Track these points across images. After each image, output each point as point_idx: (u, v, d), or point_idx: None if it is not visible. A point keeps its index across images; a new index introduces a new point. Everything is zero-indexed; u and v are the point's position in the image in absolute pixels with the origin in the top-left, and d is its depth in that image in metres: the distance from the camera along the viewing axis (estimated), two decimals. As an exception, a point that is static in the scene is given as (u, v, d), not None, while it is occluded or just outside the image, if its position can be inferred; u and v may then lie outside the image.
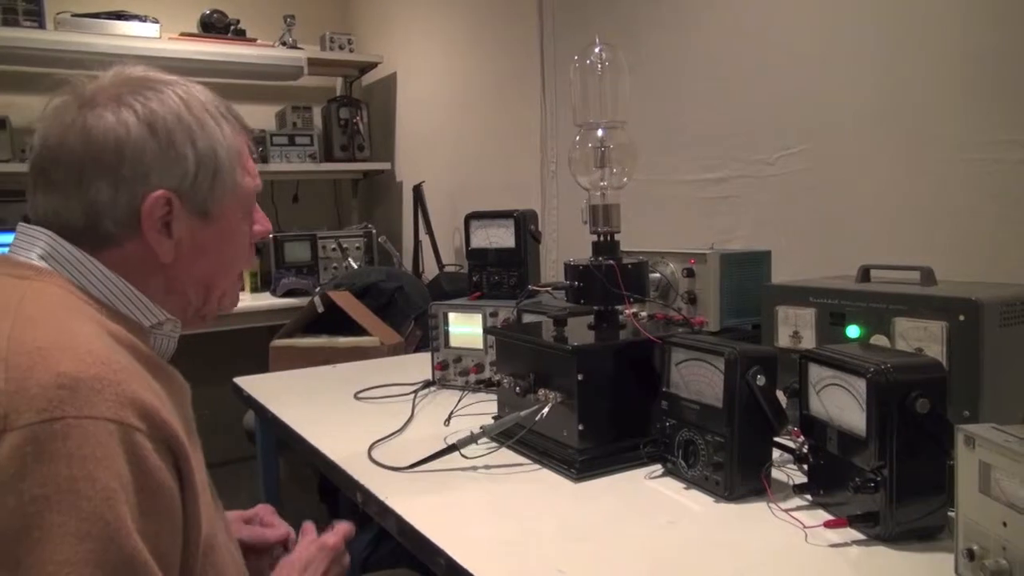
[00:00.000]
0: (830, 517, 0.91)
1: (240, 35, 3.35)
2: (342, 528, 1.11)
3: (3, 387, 0.63)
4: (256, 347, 2.55)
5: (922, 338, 1.05)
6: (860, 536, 0.89)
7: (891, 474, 0.85)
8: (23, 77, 3.10)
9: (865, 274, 1.26)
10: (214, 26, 3.29)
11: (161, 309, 0.85)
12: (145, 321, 0.84)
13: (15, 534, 0.60)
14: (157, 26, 3.12)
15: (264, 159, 3.30)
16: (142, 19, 3.10)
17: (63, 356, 0.66)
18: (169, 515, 0.69)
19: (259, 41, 3.37)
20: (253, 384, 1.75)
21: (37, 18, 2.86)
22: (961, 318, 1.02)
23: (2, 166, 2.83)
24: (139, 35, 3.08)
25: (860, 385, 0.88)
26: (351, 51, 3.55)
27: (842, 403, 0.92)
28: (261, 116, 3.59)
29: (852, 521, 0.89)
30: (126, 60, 0.87)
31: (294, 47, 3.40)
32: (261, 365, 2.24)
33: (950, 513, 0.87)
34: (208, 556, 0.75)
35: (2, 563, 0.59)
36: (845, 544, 0.88)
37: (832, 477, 0.94)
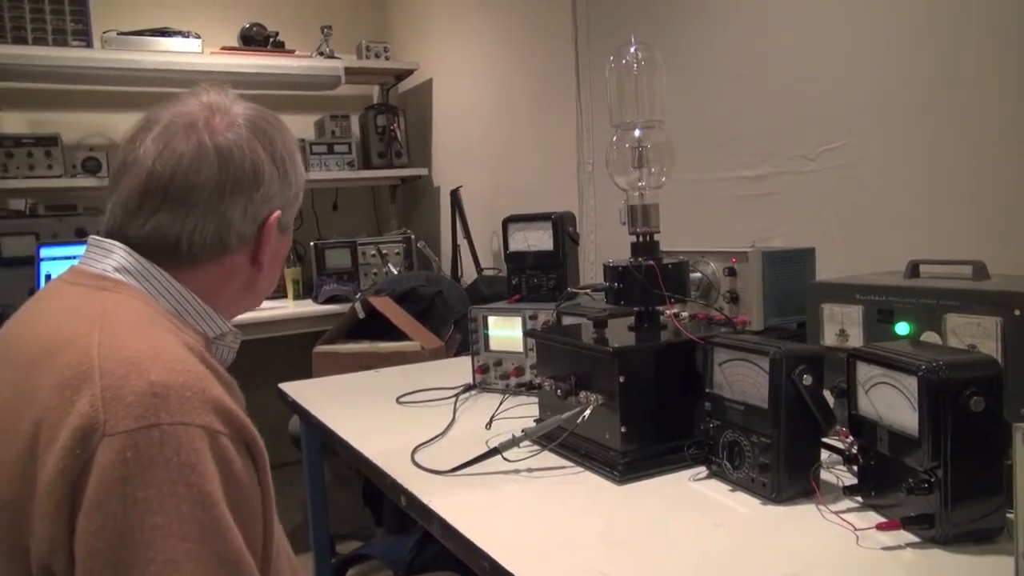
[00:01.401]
0: (882, 519, 0.89)
1: (279, 47, 3.42)
2: None
3: (99, 394, 0.66)
4: (300, 353, 2.59)
5: (975, 334, 1.02)
6: (914, 539, 0.86)
7: (945, 475, 0.82)
8: (73, 95, 3.21)
9: (914, 269, 1.23)
10: (254, 39, 3.36)
11: (225, 320, 0.90)
12: (210, 332, 0.88)
13: (119, 537, 0.62)
14: (199, 41, 3.20)
15: (304, 168, 3.35)
16: (185, 35, 3.18)
17: (153, 365, 0.69)
18: (252, 515, 0.72)
19: (297, 52, 3.43)
20: (298, 390, 1.78)
21: (85, 38, 2.95)
22: (1016, 313, 0.98)
23: (55, 181, 2.93)
24: (183, 51, 3.16)
25: (912, 383, 0.86)
26: (387, 59, 3.60)
27: (893, 402, 0.89)
28: (300, 125, 3.65)
29: (906, 523, 0.86)
30: (202, 83, 0.92)
31: (331, 57, 3.45)
32: (305, 371, 2.28)
33: (1009, 515, 0.84)
34: (276, 561, 0.78)
35: (109, 564, 0.62)
36: (898, 547, 0.85)
37: (883, 478, 0.92)
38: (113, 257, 0.83)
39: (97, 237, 0.85)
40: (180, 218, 0.83)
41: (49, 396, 0.67)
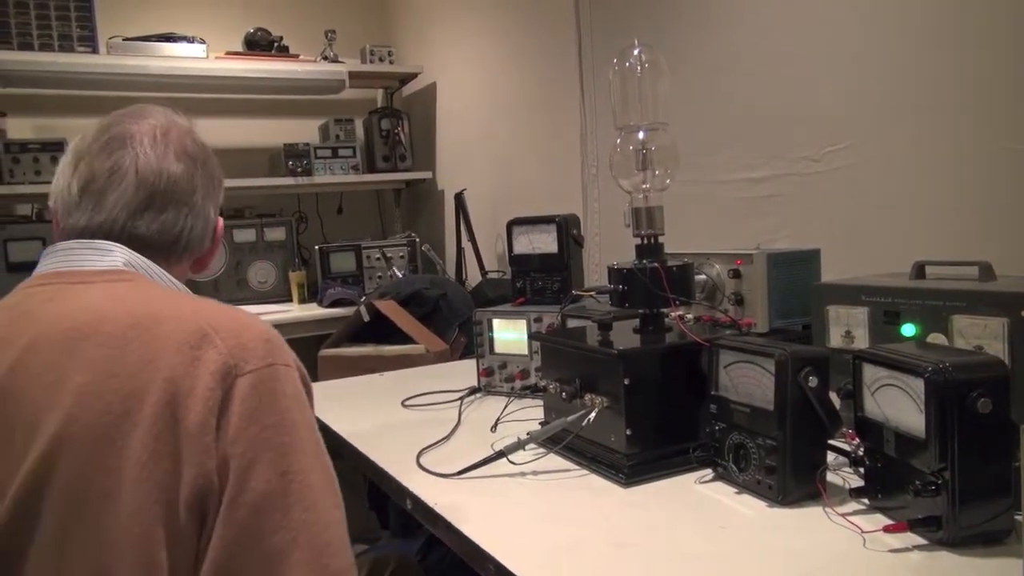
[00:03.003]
0: (889, 522, 0.89)
1: (283, 52, 3.42)
2: None
3: (225, 347, 0.78)
4: (304, 357, 2.58)
5: (982, 335, 1.02)
6: (921, 541, 0.86)
7: (953, 477, 0.82)
8: (79, 101, 3.22)
9: (920, 270, 1.22)
10: (258, 44, 3.36)
11: None
12: None
13: (277, 451, 0.76)
14: (204, 46, 3.21)
15: (308, 172, 3.36)
16: (190, 40, 3.19)
17: (254, 322, 0.84)
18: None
19: (302, 57, 3.44)
20: (303, 393, 1.78)
21: (91, 43, 2.96)
22: (1023, 314, 0.98)
23: (61, 187, 2.93)
24: (188, 56, 3.17)
25: (918, 385, 0.85)
26: (391, 63, 3.60)
27: (899, 404, 0.89)
28: (305, 130, 3.66)
29: (913, 525, 0.86)
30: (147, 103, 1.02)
31: (336, 61, 3.46)
32: (310, 374, 2.28)
33: (1017, 517, 0.84)
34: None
35: (276, 468, 0.75)
36: (906, 549, 0.85)
37: (890, 480, 0.92)
38: (115, 255, 0.90)
39: (81, 240, 0.90)
40: (182, 217, 0.95)
41: (172, 357, 0.77)
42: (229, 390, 0.76)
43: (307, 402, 0.84)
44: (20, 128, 3.18)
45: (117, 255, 0.90)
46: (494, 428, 1.37)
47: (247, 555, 0.73)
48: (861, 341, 1.18)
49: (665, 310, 1.26)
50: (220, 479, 0.74)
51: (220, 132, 3.41)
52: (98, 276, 0.87)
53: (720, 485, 1.07)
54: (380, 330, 2.48)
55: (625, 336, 1.24)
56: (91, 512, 0.73)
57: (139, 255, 0.91)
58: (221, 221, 1.05)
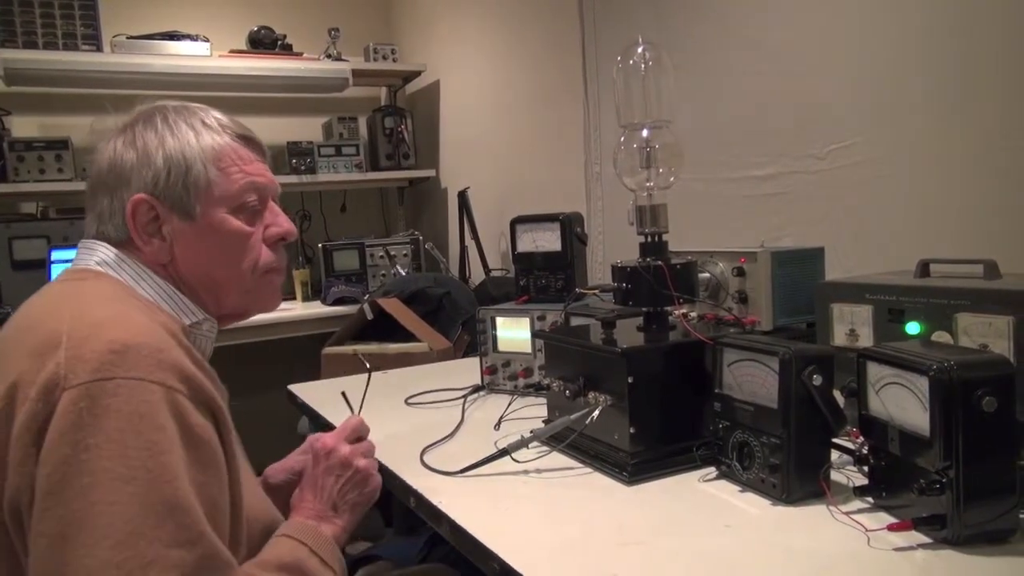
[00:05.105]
0: (893, 520, 0.89)
1: (287, 50, 3.43)
2: (345, 429, 1.05)
3: (64, 355, 0.72)
4: (308, 355, 2.60)
5: (987, 334, 1.02)
6: (926, 539, 0.86)
7: (957, 475, 0.82)
8: (83, 99, 3.23)
9: (924, 269, 1.22)
10: (262, 42, 3.37)
11: (199, 308, 0.93)
12: (185, 319, 0.92)
13: (68, 480, 0.68)
14: (208, 44, 3.21)
15: (312, 170, 3.37)
16: (194, 38, 3.20)
17: (115, 327, 0.76)
18: (216, 468, 0.76)
19: (305, 55, 3.44)
20: (307, 391, 1.79)
21: (95, 42, 2.97)
22: (1029, 312, 0.98)
23: (66, 185, 2.95)
24: (191, 54, 3.17)
25: (923, 383, 0.85)
26: (394, 61, 3.60)
27: (903, 402, 0.89)
28: (308, 128, 3.67)
29: (917, 524, 0.86)
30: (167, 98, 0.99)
31: (339, 59, 3.46)
32: (314, 372, 2.29)
33: (1022, 515, 0.84)
34: (247, 522, 0.82)
35: (57, 504, 0.68)
36: (910, 548, 0.85)
37: (895, 479, 0.91)
38: (97, 254, 0.91)
39: (84, 240, 0.94)
40: (89, 215, 0.94)
41: (24, 361, 0.74)
42: (54, 404, 0.70)
43: (165, 424, 0.72)
44: (25, 127, 3.19)
45: (98, 253, 0.91)
46: (497, 426, 1.37)
47: None
48: (865, 339, 1.18)
49: (669, 308, 1.26)
50: (28, 499, 0.70)
51: (224, 130, 3.41)
52: (73, 275, 0.90)
53: (724, 483, 1.07)
54: (384, 328, 2.48)
55: (629, 334, 1.24)
56: None
57: (113, 250, 0.91)
58: (131, 205, 0.91)
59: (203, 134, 0.94)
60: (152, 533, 0.68)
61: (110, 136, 0.95)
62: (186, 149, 0.92)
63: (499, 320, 1.67)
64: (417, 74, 3.70)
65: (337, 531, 0.97)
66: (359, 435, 1.07)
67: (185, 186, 0.91)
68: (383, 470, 1.24)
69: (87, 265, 0.91)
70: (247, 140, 0.98)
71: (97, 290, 0.85)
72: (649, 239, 1.25)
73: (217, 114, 0.97)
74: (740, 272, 1.40)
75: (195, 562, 0.70)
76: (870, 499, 0.96)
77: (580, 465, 1.18)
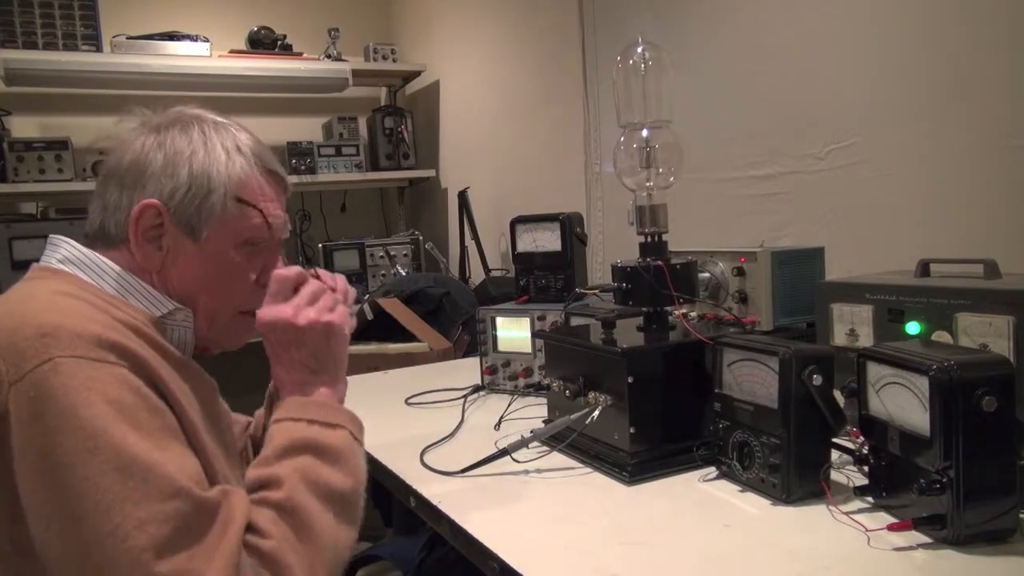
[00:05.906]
0: (893, 520, 0.89)
1: (287, 50, 3.43)
2: (275, 295, 0.93)
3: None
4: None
5: (987, 333, 1.02)
6: (926, 539, 0.86)
7: (957, 475, 0.82)
8: (83, 99, 3.23)
9: (924, 268, 1.22)
10: (262, 42, 3.37)
11: (168, 298, 0.90)
12: (155, 311, 0.89)
13: (48, 471, 0.69)
14: (208, 44, 3.21)
15: (312, 170, 3.37)
16: (193, 39, 3.20)
17: (43, 313, 0.75)
18: (173, 432, 0.76)
19: (305, 55, 3.44)
20: (307, 391, 1.78)
21: (95, 42, 2.97)
22: (1029, 312, 0.98)
23: (66, 185, 2.95)
24: (191, 54, 3.17)
25: (923, 383, 0.85)
26: (394, 61, 3.60)
27: (903, 402, 0.89)
28: (308, 128, 3.67)
29: (917, 524, 0.86)
30: (188, 102, 0.98)
31: (339, 59, 3.46)
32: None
33: (1022, 515, 0.84)
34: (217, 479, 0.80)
35: (47, 498, 0.69)
36: (910, 548, 0.85)
37: (895, 478, 0.91)
38: (60, 251, 0.89)
39: (52, 235, 0.92)
40: (92, 204, 0.93)
41: None
42: (5, 403, 0.70)
43: (114, 394, 0.73)
44: (24, 126, 3.19)
45: (61, 250, 0.89)
46: (498, 426, 1.37)
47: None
48: (865, 339, 1.18)
49: (669, 308, 1.26)
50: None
51: (224, 130, 3.41)
52: (35, 273, 0.89)
53: (724, 483, 1.07)
54: (384, 328, 2.48)
55: (629, 334, 1.24)
56: None
57: (78, 247, 0.89)
58: (139, 208, 0.89)
59: (235, 160, 0.92)
60: (136, 495, 0.69)
61: (139, 131, 0.92)
62: (213, 172, 0.90)
63: (499, 320, 1.67)
64: (417, 74, 3.70)
65: (327, 390, 0.92)
66: (297, 287, 0.95)
67: (199, 209, 0.90)
68: (383, 470, 1.24)
69: (48, 263, 0.89)
70: (273, 175, 0.97)
71: (46, 287, 0.83)
72: (649, 239, 1.26)
73: (248, 138, 0.96)
74: (740, 272, 1.40)
75: (187, 511, 0.71)
76: (870, 499, 0.96)
77: (580, 465, 1.18)
